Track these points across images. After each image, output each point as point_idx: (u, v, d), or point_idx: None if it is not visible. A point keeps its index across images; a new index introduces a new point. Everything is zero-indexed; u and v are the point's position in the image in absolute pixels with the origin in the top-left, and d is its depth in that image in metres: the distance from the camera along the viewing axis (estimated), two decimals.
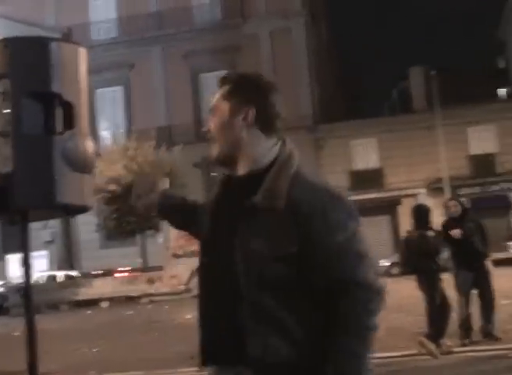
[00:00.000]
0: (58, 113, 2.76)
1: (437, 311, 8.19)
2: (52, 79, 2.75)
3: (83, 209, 2.91)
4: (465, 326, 8.50)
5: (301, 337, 1.97)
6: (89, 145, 2.92)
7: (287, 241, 1.96)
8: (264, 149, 2.15)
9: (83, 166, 2.83)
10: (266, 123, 2.18)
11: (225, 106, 2.17)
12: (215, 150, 2.22)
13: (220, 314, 2.05)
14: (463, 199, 9.78)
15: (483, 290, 8.71)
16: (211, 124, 2.21)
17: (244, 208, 2.02)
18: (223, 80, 2.24)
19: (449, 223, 8.84)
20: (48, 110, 2.75)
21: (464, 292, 8.63)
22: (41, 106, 2.74)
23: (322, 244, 1.96)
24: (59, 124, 2.75)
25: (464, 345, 8.30)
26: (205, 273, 2.16)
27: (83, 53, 2.96)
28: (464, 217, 8.83)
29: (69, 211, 2.93)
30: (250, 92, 2.18)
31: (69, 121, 2.79)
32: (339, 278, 1.96)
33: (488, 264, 8.85)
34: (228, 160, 2.19)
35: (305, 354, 1.97)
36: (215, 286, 2.07)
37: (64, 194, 2.74)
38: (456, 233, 8.44)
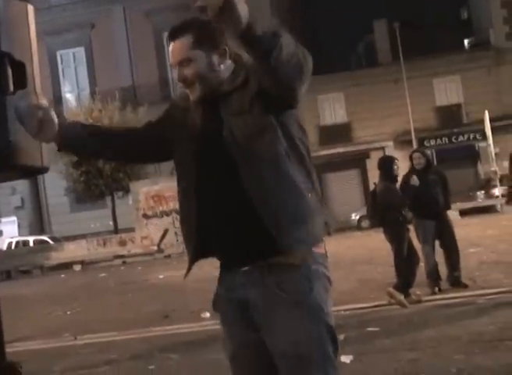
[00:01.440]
0: (9, 73, 2.68)
1: (405, 261, 8.27)
2: (1, 38, 2.67)
3: (39, 171, 2.86)
4: (433, 276, 8.62)
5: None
6: (44, 104, 2.85)
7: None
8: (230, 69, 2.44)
9: None
10: (229, 52, 2.43)
11: (199, 54, 2.37)
12: (196, 92, 2.41)
13: (227, 218, 2.30)
14: (427, 151, 9.74)
15: (446, 239, 8.81)
16: (187, 73, 2.39)
17: (218, 102, 2.37)
18: (180, 31, 2.38)
19: (415, 172, 8.88)
20: None
21: (427, 241, 8.73)
22: None
23: None
24: (10, 84, 2.68)
25: (433, 294, 8.42)
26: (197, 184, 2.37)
27: (32, 11, 2.87)
28: (427, 169, 8.88)
29: (26, 172, 2.88)
30: (213, 35, 2.36)
31: (21, 80, 2.71)
32: None
33: (450, 215, 8.98)
34: (210, 94, 2.40)
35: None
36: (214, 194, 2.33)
37: (20, 155, 2.68)
38: (414, 180, 8.51)
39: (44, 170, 2.88)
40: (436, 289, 8.55)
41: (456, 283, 8.66)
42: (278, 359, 2.29)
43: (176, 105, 2.62)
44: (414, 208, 8.92)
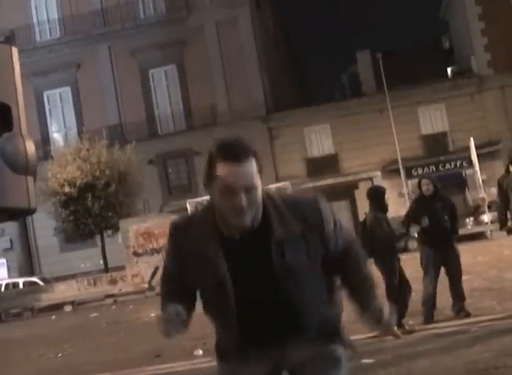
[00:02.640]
0: None
1: (396, 292, 8.24)
2: None
3: (27, 212, 2.85)
4: (428, 305, 8.53)
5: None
6: (30, 146, 2.85)
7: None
8: None
9: (24, 167, 2.77)
10: None
11: (259, 182, 2.46)
12: (247, 220, 2.44)
13: (266, 316, 2.56)
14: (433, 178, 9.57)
15: (452, 267, 8.66)
16: (253, 200, 2.43)
17: (272, 241, 2.48)
18: (244, 154, 2.42)
19: (422, 200, 8.85)
20: None
21: (429, 269, 8.64)
22: None
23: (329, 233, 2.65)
24: None
25: (427, 323, 8.35)
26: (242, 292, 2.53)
27: (16, 53, 2.88)
28: (435, 196, 8.77)
29: (14, 214, 2.86)
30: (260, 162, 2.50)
31: (7, 123, 2.72)
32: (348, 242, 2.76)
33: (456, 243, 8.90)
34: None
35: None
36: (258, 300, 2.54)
37: (6, 197, 2.67)
38: (425, 221, 8.41)
39: (31, 212, 2.87)
40: (424, 320, 8.43)
41: (460, 311, 8.53)
42: None
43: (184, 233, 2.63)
44: (419, 236, 8.92)
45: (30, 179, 2.86)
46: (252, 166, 2.41)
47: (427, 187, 8.78)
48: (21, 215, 2.95)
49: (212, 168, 2.43)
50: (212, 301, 2.62)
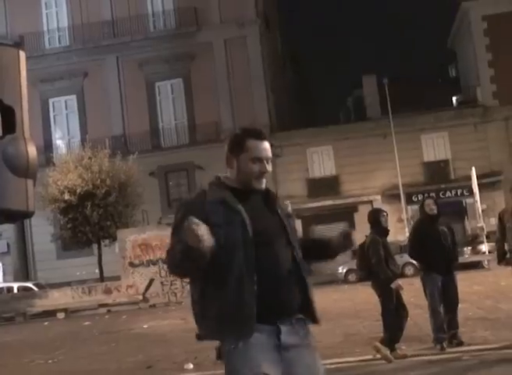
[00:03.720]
0: None
1: (392, 316, 8.20)
2: None
3: (25, 215, 2.86)
4: (441, 332, 8.33)
5: None
6: (31, 150, 2.86)
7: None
8: None
9: (25, 170, 2.78)
10: None
11: None
12: (262, 184, 3.24)
13: (288, 279, 3.13)
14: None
15: (450, 294, 8.58)
16: (269, 169, 3.25)
17: (279, 212, 3.27)
18: (265, 135, 3.28)
19: (426, 221, 8.82)
20: None
21: (434, 296, 8.54)
22: None
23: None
24: None
25: (442, 349, 8.10)
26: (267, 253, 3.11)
27: (23, 57, 2.90)
28: (437, 219, 8.76)
29: (11, 217, 2.86)
30: None
31: (10, 125, 2.73)
32: None
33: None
34: None
35: None
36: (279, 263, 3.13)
37: (5, 199, 2.68)
38: (397, 286, 8.23)
39: (29, 215, 2.88)
40: (441, 346, 8.18)
41: (453, 339, 8.40)
42: None
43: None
44: (421, 261, 8.87)
45: (30, 182, 2.86)
46: (268, 144, 3.25)
47: (431, 207, 8.75)
48: (19, 218, 2.95)
49: (241, 144, 3.19)
50: (236, 258, 3.02)
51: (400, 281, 8.30)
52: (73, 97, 39.92)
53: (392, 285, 8.13)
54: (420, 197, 34.85)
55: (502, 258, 8.72)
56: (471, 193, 30.51)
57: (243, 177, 3.19)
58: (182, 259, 2.93)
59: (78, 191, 29.13)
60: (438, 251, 8.51)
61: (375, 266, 8.26)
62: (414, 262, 9.20)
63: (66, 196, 29.10)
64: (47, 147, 36.62)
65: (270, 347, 3.04)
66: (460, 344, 8.32)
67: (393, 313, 8.21)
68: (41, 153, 33.25)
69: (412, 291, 9.54)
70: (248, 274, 3.01)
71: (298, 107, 48.92)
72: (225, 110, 37.71)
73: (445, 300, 8.64)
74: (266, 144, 3.22)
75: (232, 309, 2.99)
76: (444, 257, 8.54)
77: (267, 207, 3.24)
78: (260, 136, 3.22)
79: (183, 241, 2.87)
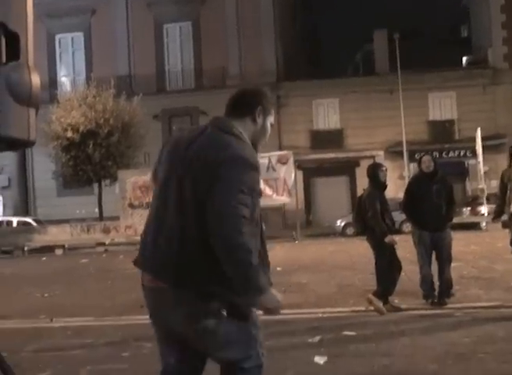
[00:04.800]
0: (2, 43, 2.64)
1: (385, 269, 8.25)
2: None
3: (26, 143, 2.82)
4: (425, 287, 8.49)
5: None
6: (35, 78, 2.80)
7: None
8: None
9: (27, 98, 2.73)
10: None
11: None
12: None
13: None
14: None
15: (442, 253, 8.59)
16: None
17: None
18: None
19: (421, 178, 8.79)
20: None
21: (421, 252, 8.58)
22: None
23: None
24: (3, 54, 2.64)
25: (432, 304, 8.29)
26: None
27: None
28: (434, 176, 8.69)
29: (12, 145, 2.83)
30: None
31: (14, 52, 2.67)
32: None
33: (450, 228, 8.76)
34: None
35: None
36: None
37: (7, 126, 2.64)
38: (390, 240, 8.25)
39: (30, 143, 2.83)
40: (430, 301, 8.40)
41: (446, 297, 8.44)
42: None
43: None
44: (411, 217, 8.87)
45: (32, 111, 2.81)
46: None
47: (428, 164, 8.70)
48: (20, 146, 2.91)
49: (270, 106, 3.22)
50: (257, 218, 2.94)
51: (396, 238, 8.32)
52: (80, 34, 39.47)
53: (386, 239, 8.15)
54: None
55: (497, 216, 8.74)
56: (474, 154, 30.44)
57: (260, 137, 3.20)
58: (251, 270, 2.77)
59: (81, 129, 29.04)
60: (429, 209, 8.48)
61: (371, 220, 8.27)
62: None
63: (69, 133, 29.02)
64: (51, 83, 36.36)
65: None
66: (443, 304, 8.31)
67: (387, 267, 8.25)
68: (46, 90, 33.08)
69: (408, 247, 9.56)
70: (263, 250, 2.98)
71: (306, 58, 48.39)
72: (233, 56, 37.33)
73: (437, 258, 8.68)
74: None
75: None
76: (435, 215, 8.51)
77: None
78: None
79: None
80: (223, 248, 2.77)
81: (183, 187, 2.95)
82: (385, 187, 8.61)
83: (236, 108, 3.17)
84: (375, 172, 8.60)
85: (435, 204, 8.51)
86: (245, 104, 3.17)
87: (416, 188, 8.75)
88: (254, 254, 2.76)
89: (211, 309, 2.91)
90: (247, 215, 2.79)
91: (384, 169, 8.71)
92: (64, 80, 38.46)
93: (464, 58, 42.28)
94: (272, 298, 2.81)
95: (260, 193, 2.99)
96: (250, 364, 3.01)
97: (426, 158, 8.82)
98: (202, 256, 2.86)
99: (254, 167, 2.92)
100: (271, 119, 3.23)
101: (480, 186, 28.32)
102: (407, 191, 8.92)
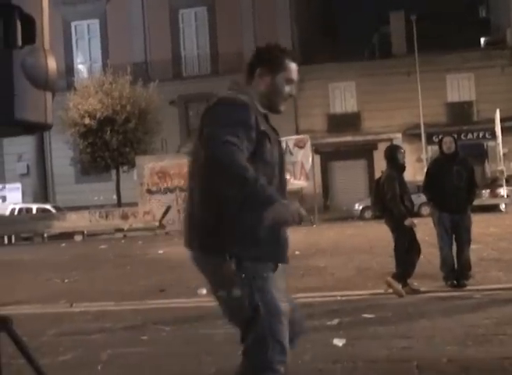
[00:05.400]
0: (18, 27, 2.64)
1: (405, 252, 8.22)
2: None
3: (43, 127, 2.83)
4: (445, 269, 8.44)
5: None
6: (51, 62, 2.81)
7: None
8: None
9: (44, 81, 2.73)
10: None
11: None
12: (284, 107, 3.15)
13: None
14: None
15: (461, 235, 8.50)
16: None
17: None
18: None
19: (442, 159, 8.72)
20: (7, 23, 2.63)
21: (441, 234, 8.52)
22: (0, 19, 2.62)
23: None
24: (19, 38, 2.64)
25: (451, 286, 8.25)
26: None
27: None
28: (455, 157, 8.60)
29: (29, 128, 2.84)
30: None
31: (30, 35, 2.67)
32: None
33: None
34: None
35: None
36: None
37: (23, 110, 2.65)
38: (410, 223, 8.15)
39: (47, 127, 2.85)
40: (449, 283, 8.35)
41: (465, 279, 8.37)
42: None
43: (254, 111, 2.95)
44: (431, 199, 8.79)
45: (49, 94, 2.82)
46: None
47: (449, 145, 8.60)
48: (37, 130, 2.92)
49: (281, 62, 3.07)
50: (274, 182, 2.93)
51: (415, 220, 8.26)
52: (96, 21, 39.52)
53: (406, 222, 8.11)
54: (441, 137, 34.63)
55: None
56: (493, 136, 30.21)
57: (274, 97, 3.06)
58: (258, 192, 2.68)
59: (98, 115, 29.14)
60: (450, 190, 8.40)
61: (390, 202, 8.21)
62: None
63: (86, 120, 29.14)
64: (68, 71, 36.48)
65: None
66: (463, 286, 8.25)
67: (406, 249, 8.22)
68: (63, 77, 33.20)
69: (427, 230, 9.52)
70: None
71: (322, 41, 48.09)
72: (249, 40, 37.14)
73: (456, 240, 8.62)
74: (296, 68, 3.12)
75: (276, 235, 2.91)
76: (456, 197, 8.44)
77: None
78: (295, 58, 3.13)
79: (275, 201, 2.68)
80: (217, 173, 2.70)
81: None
82: (403, 168, 8.53)
83: (245, 75, 3.13)
84: (393, 154, 8.54)
85: (455, 186, 8.43)
86: (248, 68, 3.12)
87: (436, 170, 8.67)
88: (250, 171, 2.66)
89: (230, 274, 2.85)
90: (237, 143, 2.69)
91: (402, 150, 8.65)
92: (80, 67, 38.54)
93: (482, 39, 41.84)
94: (287, 206, 2.70)
95: (264, 132, 2.88)
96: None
97: (447, 139, 8.72)
98: (213, 216, 2.84)
99: (241, 104, 2.85)
100: (286, 75, 3.05)
101: (499, 168, 28.12)
102: (428, 173, 8.85)
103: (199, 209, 2.90)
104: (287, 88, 3.06)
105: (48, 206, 32.32)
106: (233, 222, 2.81)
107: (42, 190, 38.60)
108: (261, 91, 3.04)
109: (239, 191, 2.70)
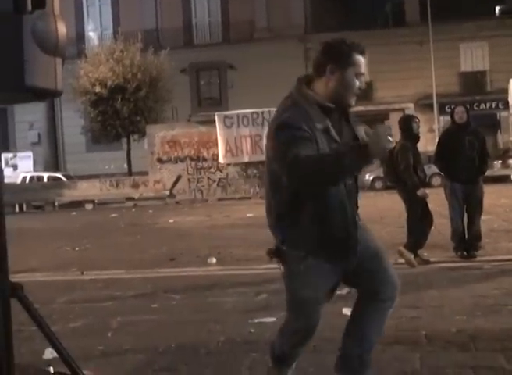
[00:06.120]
0: None
1: (417, 222, 8.19)
2: None
3: (53, 93, 2.81)
4: (455, 239, 8.45)
5: None
6: (61, 27, 2.77)
7: None
8: None
9: (53, 47, 2.70)
10: None
11: None
12: (353, 100, 3.23)
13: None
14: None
15: (472, 205, 8.49)
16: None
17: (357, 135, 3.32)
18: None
19: (453, 130, 8.65)
20: None
21: (453, 204, 8.48)
22: None
23: None
24: (29, 3, 2.61)
25: (461, 256, 8.27)
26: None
27: None
28: (467, 127, 8.54)
29: (39, 95, 2.82)
30: None
31: (40, 0, 2.64)
32: None
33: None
34: None
35: None
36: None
37: (33, 76, 2.62)
38: (423, 193, 8.17)
39: (57, 94, 2.83)
40: (459, 253, 8.37)
41: (475, 250, 8.38)
42: None
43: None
44: (443, 169, 8.74)
45: (59, 61, 2.79)
46: None
47: (461, 115, 8.54)
48: (47, 96, 2.90)
49: (350, 57, 3.11)
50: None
51: (427, 191, 8.23)
52: None
53: (418, 192, 8.08)
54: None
55: None
56: (507, 106, 29.98)
57: (343, 91, 3.14)
58: (336, 169, 2.90)
59: (109, 84, 29.06)
60: (461, 161, 8.35)
61: (403, 172, 8.17)
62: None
63: (97, 89, 29.09)
64: (79, 38, 36.33)
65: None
66: (473, 256, 8.27)
67: (418, 219, 8.20)
68: (73, 44, 33.05)
69: (438, 200, 9.49)
70: (349, 202, 3.16)
71: (335, 9, 47.57)
72: (260, 9, 36.88)
73: (467, 211, 8.59)
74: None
75: (338, 232, 3.14)
76: (467, 167, 8.39)
77: (347, 126, 3.27)
78: (364, 52, 3.18)
79: (348, 154, 2.86)
80: (295, 176, 2.95)
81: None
82: (418, 139, 8.46)
83: (313, 70, 3.22)
84: (408, 123, 8.46)
85: (467, 156, 8.38)
86: (317, 64, 3.19)
87: (448, 140, 8.61)
88: (320, 160, 2.91)
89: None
90: (298, 153, 2.89)
91: (417, 120, 8.57)
92: (91, 34, 38.39)
93: (497, 8, 41.23)
94: (365, 149, 2.85)
95: (319, 130, 3.05)
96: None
97: (459, 109, 8.65)
98: (284, 215, 3.15)
99: (292, 123, 3.00)
100: (355, 70, 3.13)
101: (511, 138, 27.94)
102: (440, 143, 8.79)
103: (278, 211, 3.23)
104: (357, 82, 3.14)
105: (58, 175, 32.44)
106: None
107: (53, 158, 38.71)
108: (331, 86, 3.13)
109: (332, 179, 2.97)
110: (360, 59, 3.13)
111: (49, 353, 4.28)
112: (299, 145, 2.91)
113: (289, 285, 3.25)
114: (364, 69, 3.16)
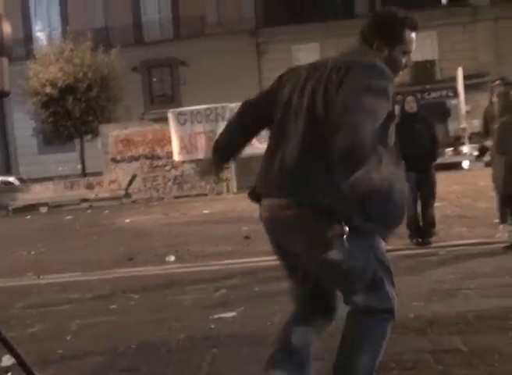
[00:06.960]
0: None
1: None
2: None
3: (0, 94, 2.77)
4: (410, 227, 8.55)
5: None
6: (6, 26, 2.74)
7: None
8: None
9: None
10: None
11: None
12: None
13: None
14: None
15: (424, 192, 8.63)
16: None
17: None
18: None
19: (404, 119, 8.73)
20: None
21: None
22: None
23: None
24: None
25: (416, 244, 8.42)
26: None
27: None
28: (415, 117, 8.66)
29: None
30: None
31: None
32: None
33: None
34: None
35: None
36: None
37: None
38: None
39: (4, 94, 2.79)
40: (414, 241, 8.52)
41: (429, 236, 8.54)
42: None
43: None
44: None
45: (5, 60, 2.76)
46: None
47: (411, 105, 8.68)
48: None
49: (401, 33, 2.88)
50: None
51: None
52: None
53: None
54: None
55: (482, 154, 8.79)
56: (456, 94, 30.41)
57: (389, 69, 2.81)
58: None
59: (59, 84, 28.68)
60: (413, 149, 8.46)
61: None
62: None
63: (47, 89, 28.68)
64: (27, 39, 35.78)
65: None
66: (427, 243, 8.42)
67: None
68: (21, 45, 32.55)
69: None
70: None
71: (285, 3, 47.71)
72: (211, 4, 36.77)
73: (420, 198, 8.73)
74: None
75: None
76: (419, 155, 8.48)
77: None
78: (417, 27, 2.92)
79: None
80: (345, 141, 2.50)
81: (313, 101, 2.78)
82: None
83: (360, 40, 2.98)
84: None
85: (418, 144, 8.50)
86: (363, 37, 2.96)
87: (399, 129, 8.68)
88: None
89: (335, 234, 2.66)
90: (375, 117, 2.66)
91: None
92: (39, 34, 37.83)
93: None
94: None
95: (393, 115, 2.89)
96: (376, 303, 2.92)
97: (410, 99, 8.79)
98: (323, 170, 2.64)
99: (390, 78, 2.70)
100: (404, 48, 2.90)
101: (462, 126, 28.38)
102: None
103: (317, 163, 2.73)
104: (404, 60, 2.93)
105: (11, 178, 31.89)
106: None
107: (5, 162, 38.09)
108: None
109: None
110: (412, 36, 2.91)
111: (7, 360, 4.23)
112: (384, 114, 2.73)
113: (365, 263, 2.82)
114: (413, 46, 2.92)
